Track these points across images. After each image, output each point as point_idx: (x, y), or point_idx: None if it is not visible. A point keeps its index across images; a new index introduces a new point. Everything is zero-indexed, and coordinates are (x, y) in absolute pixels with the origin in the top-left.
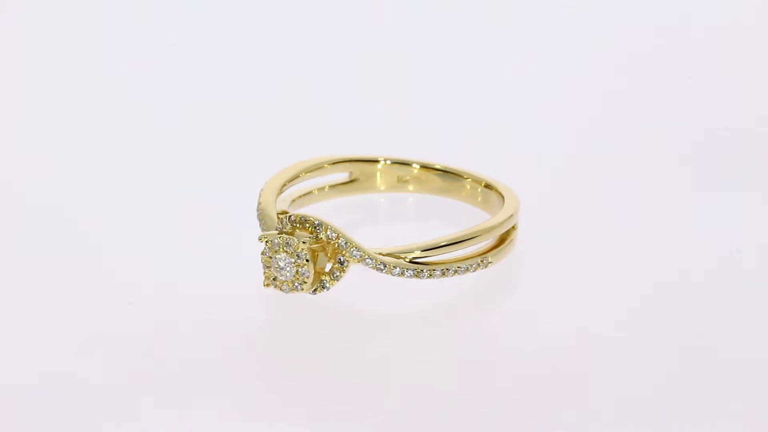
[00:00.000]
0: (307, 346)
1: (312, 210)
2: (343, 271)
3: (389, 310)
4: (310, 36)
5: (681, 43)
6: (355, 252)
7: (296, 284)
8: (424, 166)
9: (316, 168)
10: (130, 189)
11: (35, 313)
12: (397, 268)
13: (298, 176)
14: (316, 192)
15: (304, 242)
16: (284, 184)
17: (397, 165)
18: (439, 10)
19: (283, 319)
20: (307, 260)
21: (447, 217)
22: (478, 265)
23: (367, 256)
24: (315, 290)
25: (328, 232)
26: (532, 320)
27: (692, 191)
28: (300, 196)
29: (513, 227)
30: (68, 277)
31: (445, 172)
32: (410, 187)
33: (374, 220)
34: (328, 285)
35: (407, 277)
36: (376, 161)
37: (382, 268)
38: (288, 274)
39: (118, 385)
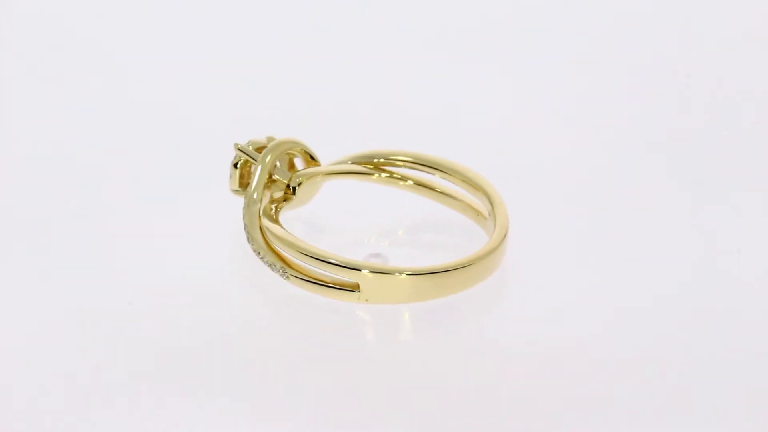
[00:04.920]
0: (304, 346)
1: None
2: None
3: (389, 310)
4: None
5: (680, 43)
6: (245, 208)
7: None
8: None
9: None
10: (128, 189)
11: (34, 309)
12: (254, 243)
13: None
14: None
15: (240, 150)
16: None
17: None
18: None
19: (280, 320)
20: (235, 165)
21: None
22: (283, 272)
23: (247, 217)
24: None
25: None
26: (525, 322)
27: (690, 193)
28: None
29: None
30: (67, 277)
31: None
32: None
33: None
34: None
35: (259, 257)
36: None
37: (246, 233)
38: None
39: (117, 384)
